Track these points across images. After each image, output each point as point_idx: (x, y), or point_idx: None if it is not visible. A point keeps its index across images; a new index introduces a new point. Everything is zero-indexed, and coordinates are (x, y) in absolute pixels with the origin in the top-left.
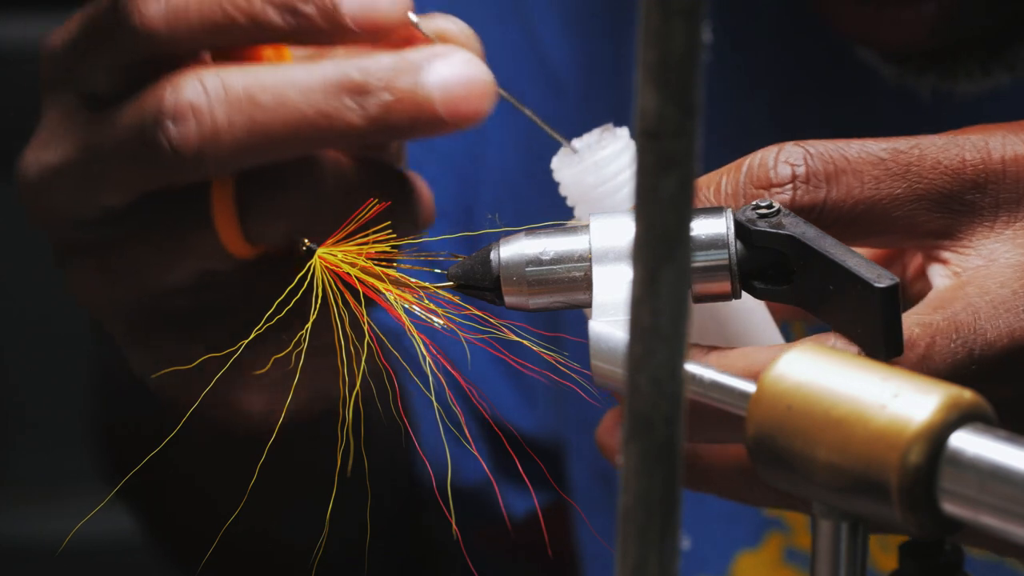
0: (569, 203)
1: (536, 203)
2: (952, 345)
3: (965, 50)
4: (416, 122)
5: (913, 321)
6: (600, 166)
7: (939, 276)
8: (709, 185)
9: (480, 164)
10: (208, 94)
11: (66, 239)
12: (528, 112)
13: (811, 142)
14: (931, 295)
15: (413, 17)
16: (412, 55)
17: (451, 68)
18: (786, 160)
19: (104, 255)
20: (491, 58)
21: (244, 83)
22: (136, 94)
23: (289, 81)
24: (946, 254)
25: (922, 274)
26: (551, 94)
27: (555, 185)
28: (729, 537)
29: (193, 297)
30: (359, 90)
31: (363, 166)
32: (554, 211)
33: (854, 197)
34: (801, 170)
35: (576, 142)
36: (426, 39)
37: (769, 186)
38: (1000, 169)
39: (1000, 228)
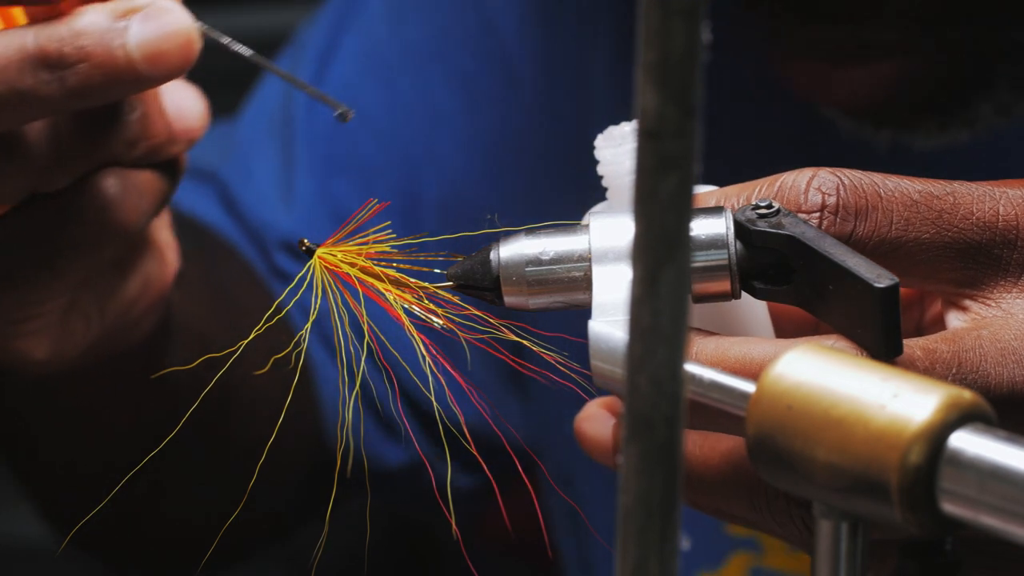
0: (604, 183)
1: (485, 203)
2: (949, 378)
3: (922, 107)
4: (119, 85)
5: (918, 344)
6: None
7: (956, 320)
8: (739, 195)
9: (431, 154)
10: None
11: None
12: (273, 67)
13: (848, 172)
14: (945, 330)
15: None
16: (105, 14)
17: (149, 23)
18: (819, 187)
19: None
20: (444, 45)
21: None
22: None
23: None
24: (967, 302)
25: (940, 320)
26: (505, 84)
27: (507, 185)
28: (689, 557)
29: None
30: (55, 63)
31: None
32: (502, 210)
33: (880, 236)
34: (832, 200)
35: (625, 125)
36: None
37: (798, 211)
38: None
39: None
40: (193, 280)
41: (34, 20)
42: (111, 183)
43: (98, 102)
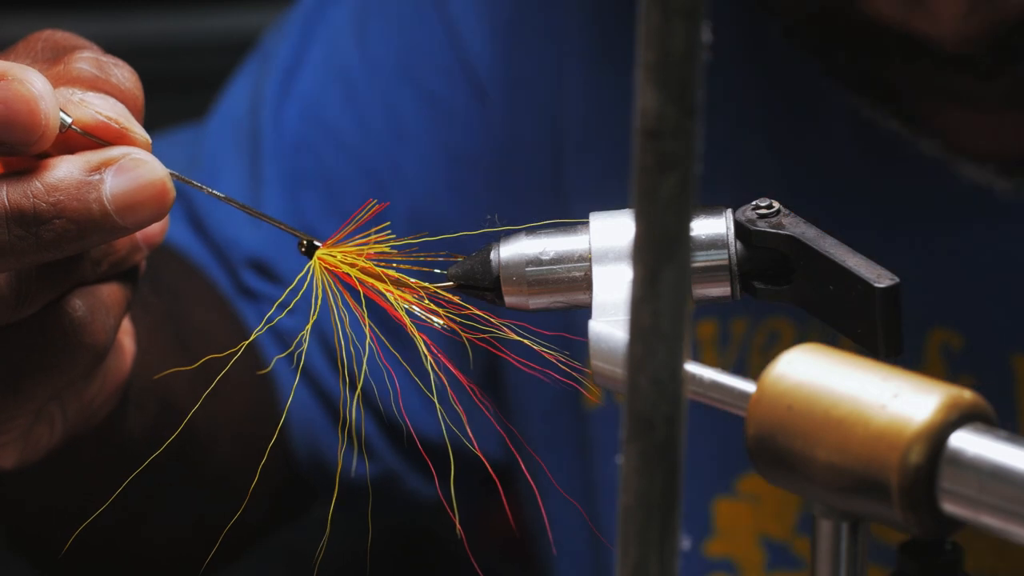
0: None
1: (452, 218)
2: None
3: None
4: (94, 236)
5: None
6: None
7: None
8: None
9: (397, 169)
10: None
11: None
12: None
13: None
14: None
15: (67, 119)
16: (79, 166)
17: (124, 175)
18: None
19: None
20: (410, 60)
21: None
22: None
23: None
24: None
25: None
26: (472, 99)
27: (474, 200)
28: None
29: None
30: (30, 219)
31: None
32: (469, 226)
33: None
34: None
35: None
36: (88, 141)
37: None
38: None
39: None
40: (153, 328)
41: (6, 168)
42: (78, 305)
43: (73, 252)
